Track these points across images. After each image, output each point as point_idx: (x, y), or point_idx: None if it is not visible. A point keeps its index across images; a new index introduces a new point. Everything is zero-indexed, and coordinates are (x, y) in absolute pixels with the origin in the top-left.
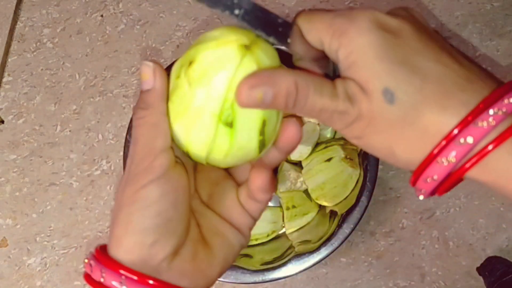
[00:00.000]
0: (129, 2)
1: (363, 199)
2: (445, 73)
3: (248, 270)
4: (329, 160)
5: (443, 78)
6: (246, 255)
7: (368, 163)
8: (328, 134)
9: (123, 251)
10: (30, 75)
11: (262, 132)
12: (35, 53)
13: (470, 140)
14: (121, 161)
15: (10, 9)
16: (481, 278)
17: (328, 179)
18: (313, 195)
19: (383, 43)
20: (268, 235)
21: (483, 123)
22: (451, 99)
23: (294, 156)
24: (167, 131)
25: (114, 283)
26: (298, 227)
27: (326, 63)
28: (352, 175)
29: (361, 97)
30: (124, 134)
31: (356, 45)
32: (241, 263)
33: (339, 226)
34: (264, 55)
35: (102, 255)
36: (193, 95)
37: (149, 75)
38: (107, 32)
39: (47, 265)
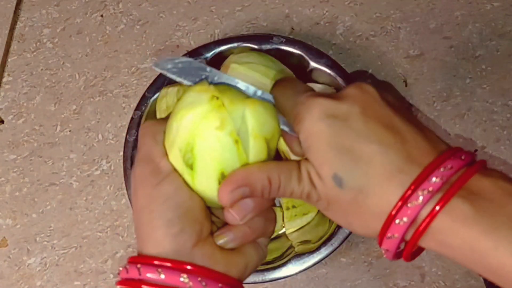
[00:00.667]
0: (129, 2)
1: None
2: (388, 154)
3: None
4: None
5: (385, 160)
6: None
7: None
8: None
9: (154, 247)
10: (30, 75)
11: (220, 182)
12: (35, 53)
13: (405, 219)
14: (121, 161)
15: (10, 9)
16: (481, 278)
17: None
18: None
19: (332, 131)
20: None
21: (414, 203)
22: (391, 181)
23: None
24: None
25: (151, 275)
26: (298, 227)
27: None
28: None
29: (318, 182)
30: (124, 134)
31: (310, 133)
32: None
33: (339, 226)
34: (233, 108)
35: (135, 257)
36: (171, 125)
37: None
38: (107, 32)
39: (47, 265)
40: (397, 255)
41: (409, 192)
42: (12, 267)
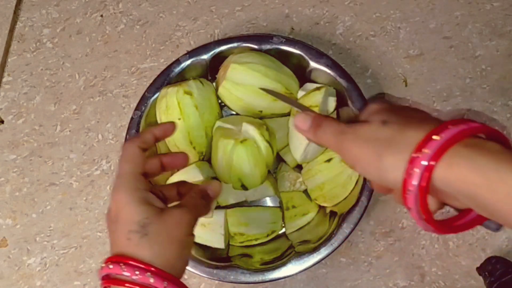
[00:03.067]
0: (129, 2)
1: (363, 199)
2: (417, 115)
3: (248, 270)
4: (329, 161)
5: (415, 116)
6: (246, 255)
7: None
8: None
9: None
10: (30, 75)
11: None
12: (35, 53)
13: (427, 151)
14: None
15: (10, 9)
16: (481, 278)
17: (327, 180)
18: (312, 196)
19: (387, 109)
20: (267, 235)
21: (437, 138)
22: (421, 125)
23: (300, 159)
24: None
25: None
26: (298, 227)
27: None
28: (351, 176)
29: (364, 124)
30: (124, 134)
31: (369, 111)
32: (241, 263)
33: (339, 226)
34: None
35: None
36: None
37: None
38: (107, 32)
39: (47, 265)
40: (424, 214)
41: (429, 134)
42: (12, 267)
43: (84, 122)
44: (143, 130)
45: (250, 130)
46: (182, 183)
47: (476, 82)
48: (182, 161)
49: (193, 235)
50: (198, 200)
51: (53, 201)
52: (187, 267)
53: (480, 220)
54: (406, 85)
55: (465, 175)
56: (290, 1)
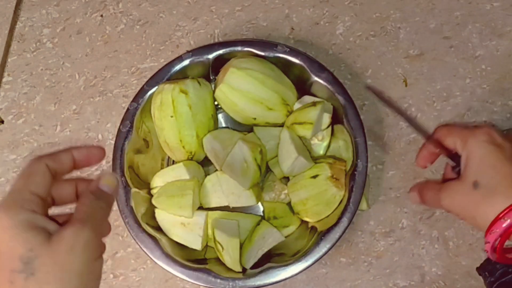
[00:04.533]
0: (129, 2)
1: (344, 219)
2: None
3: (219, 275)
4: (315, 177)
5: (508, 175)
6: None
7: (354, 185)
8: (321, 151)
9: None
10: (30, 75)
11: None
12: (35, 53)
13: (508, 220)
14: None
15: (10, 9)
16: (481, 278)
17: (311, 196)
18: (295, 209)
19: (488, 153)
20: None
21: None
22: (508, 193)
23: (287, 171)
24: None
25: None
26: None
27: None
28: (336, 195)
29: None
30: None
31: (471, 153)
32: (215, 268)
33: (317, 243)
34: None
35: None
36: None
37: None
38: (107, 32)
39: None
40: (496, 251)
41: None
42: None
43: (84, 122)
44: (63, 149)
45: (244, 150)
46: (81, 180)
47: (476, 82)
48: (97, 157)
49: (100, 258)
50: (94, 204)
51: None
52: (165, 266)
53: None
54: (406, 85)
55: None
56: (290, 1)
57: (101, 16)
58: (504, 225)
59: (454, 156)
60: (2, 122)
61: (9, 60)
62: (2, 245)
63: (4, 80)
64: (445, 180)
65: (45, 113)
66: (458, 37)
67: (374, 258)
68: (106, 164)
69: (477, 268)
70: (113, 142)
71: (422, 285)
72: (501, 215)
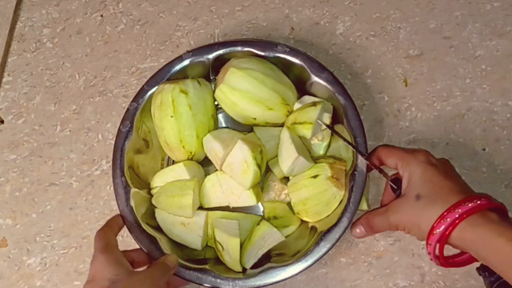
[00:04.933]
0: (129, 2)
1: (344, 219)
2: (447, 186)
3: (219, 275)
4: (315, 177)
5: (445, 189)
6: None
7: (354, 185)
8: (321, 151)
9: None
10: (30, 75)
11: None
12: (35, 53)
13: (448, 220)
14: None
15: (10, 9)
16: (481, 278)
17: (311, 196)
18: (295, 209)
19: (426, 171)
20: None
21: (455, 211)
22: (447, 199)
23: (286, 172)
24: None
25: None
26: None
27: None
28: (336, 195)
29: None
30: None
31: (413, 172)
32: (215, 268)
33: (317, 243)
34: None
35: None
36: None
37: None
38: (107, 32)
39: (47, 265)
40: (440, 259)
41: (452, 207)
42: (12, 267)
43: (84, 122)
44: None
45: (244, 150)
46: (138, 251)
47: (476, 82)
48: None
49: None
50: (160, 266)
51: (53, 201)
52: None
53: (474, 259)
54: (406, 85)
55: (471, 238)
56: (290, 1)
57: (101, 16)
58: (441, 228)
59: (395, 180)
60: (2, 122)
61: (9, 60)
62: (98, 272)
63: (4, 80)
64: (385, 205)
65: (45, 113)
66: (458, 37)
67: (374, 258)
68: (106, 164)
69: (477, 268)
70: (113, 142)
71: (422, 285)
72: (437, 220)
